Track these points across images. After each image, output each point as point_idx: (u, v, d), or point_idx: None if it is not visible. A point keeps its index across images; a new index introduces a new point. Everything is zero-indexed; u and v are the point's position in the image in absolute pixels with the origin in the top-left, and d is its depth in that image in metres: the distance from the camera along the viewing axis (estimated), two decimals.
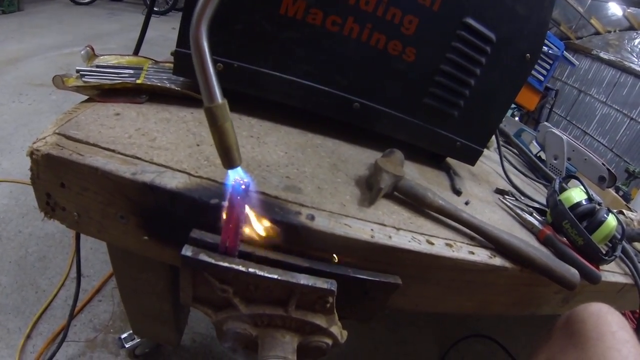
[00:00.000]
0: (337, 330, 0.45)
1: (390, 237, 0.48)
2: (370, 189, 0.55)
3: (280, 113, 0.67)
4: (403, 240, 0.48)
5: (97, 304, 1.25)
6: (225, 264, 0.38)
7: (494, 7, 0.64)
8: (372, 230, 0.47)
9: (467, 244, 0.54)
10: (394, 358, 1.31)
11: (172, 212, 0.43)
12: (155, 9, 5.41)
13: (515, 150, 1.25)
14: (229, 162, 0.37)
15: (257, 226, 0.40)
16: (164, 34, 4.31)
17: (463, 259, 0.51)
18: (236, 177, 0.37)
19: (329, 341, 0.44)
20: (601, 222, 0.64)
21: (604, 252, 0.64)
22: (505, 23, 0.66)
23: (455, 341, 1.37)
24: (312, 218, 0.45)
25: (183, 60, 0.59)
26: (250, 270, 0.38)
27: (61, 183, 0.45)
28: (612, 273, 0.71)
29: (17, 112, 2.26)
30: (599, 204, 0.69)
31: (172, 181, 0.42)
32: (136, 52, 0.75)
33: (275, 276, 0.39)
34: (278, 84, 0.62)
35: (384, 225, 0.49)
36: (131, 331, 0.99)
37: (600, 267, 0.64)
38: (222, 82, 0.60)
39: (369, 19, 0.61)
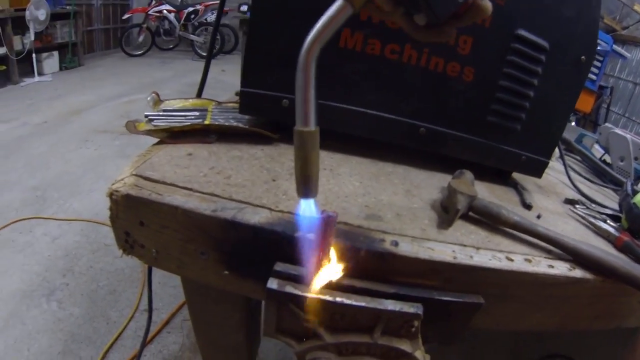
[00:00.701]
0: (421, 354, 0.44)
1: (471, 257, 0.47)
2: (446, 211, 0.55)
3: (349, 144, 0.68)
4: (484, 258, 0.47)
5: (166, 336, 1.30)
6: (312, 295, 0.38)
7: (543, 14, 0.63)
8: (453, 251, 0.47)
9: (545, 257, 0.52)
10: None
11: (253, 247, 0.44)
12: (202, 53, 5.75)
13: (578, 157, 1.19)
14: (305, 191, 0.36)
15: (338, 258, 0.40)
16: (215, 76, 4.58)
17: (543, 273, 0.49)
18: (308, 208, 0.37)
19: None
20: None
21: None
22: (556, 29, 0.64)
23: None
24: (396, 244, 0.45)
25: (249, 99, 0.62)
26: (338, 299, 0.38)
27: (140, 222, 0.47)
28: None
29: (84, 157, 2.46)
30: None
31: (254, 217, 0.44)
32: (199, 94, 0.80)
33: (363, 304, 0.39)
34: (344, 115, 0.64)
35: (464, 245, 0.49)
36: None
37: None
38: (290, 118, 0.63)
39: (426, 44, 0.62)
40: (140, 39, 5.85)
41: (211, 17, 6.01)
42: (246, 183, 0.51)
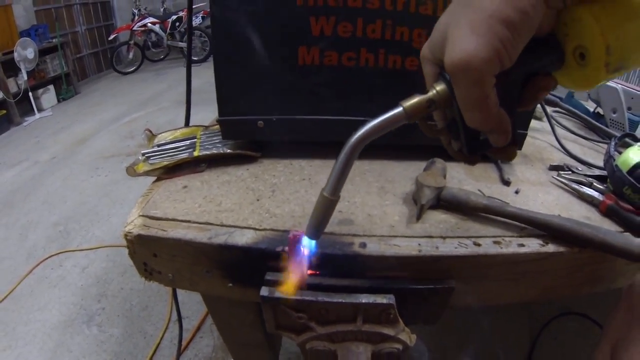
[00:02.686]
0: (406, 335, 0.50)
1: (437, 247, 0.51)
2: (416, 204, 0.58)
3: (327, 149, 0.69)
4: (449, 247, 0.51)
5: (199, 340, 1.41)
6: (297, 297, 0.46)
7: None
8: (419, 245, 0.51)
9: (517, 236, 0.54)
10: (484, 349, 1.30)
11: (245, 263, 0.51)
12: (194, 58, 5.75)
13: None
14: (313, 234, 0.44)
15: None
16: (209, 79, 4.55)
17: (513, 252, 0.52)
18: (309, 243, 0.45)
19: (400, 346, 0.50)
20: None
21: None
22: None
23: (546, 322, 1.31)
24: (364, 246, 0.50)
25: (228, 126, 0.69)
26: (319, 298, 0.46)
27: (154, 254, 0.56)
28: None
29: (96, 185, 2.56)
30: None
31: (242, 238, 0.51)
32: (187, 123, 0.87)
33: (341, 300, 0.46)
34: (315, 126, 0.68)
35: (431, 237, 0.53)
36: None
37: None
38: (266, 136, 0.69)
39: (380, 44, 0.64)
40: (130, 55, 5.93)
41: (196, 21, 6.03)
42: (234, 207, 0.58)
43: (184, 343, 1.37)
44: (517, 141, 0.39)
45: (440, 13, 0.63)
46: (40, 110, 4.36)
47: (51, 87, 4.68)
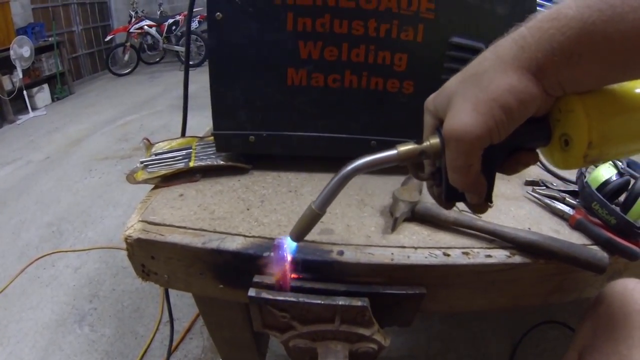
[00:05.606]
0: (380, 336, 0.55)
1: (408, 257, 0.56)
2: (392, 216, 0.63)
3: (313, 163, 0.77)
4: (420, 257, 0.56)
5: (189, 341, 1.44)
6: (281, 298, 0.51)
7: (475, 17, 0.67)
8: (392, 253, 0.56)
9: (486, 248, 0.58)
10: (465, 355, 1.34)
11: (237, 265, 0.57)
12: (189, 62, 5.75)
13: None
14: (297, 236, 0.48)
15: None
16: (204, 84, 4.56)
17: (480, 263, 0.56)
18: (289, 244, 0.49)
19: (375, 346, 0.55)
20: (638, 195, 0.60)
21: None
22: (490, 29, 0.66)
23: (527, 330, 1.34)
24: (342, 253, 0.55)
25: (222, 140, 0.74)
26: (300, 299, 0.51)
27: (151, 256, 0.61)
28: None
29: (90, 186, 2.59)
30: (634, 176, 0.66)
31: (232, 244, 0.57)
32: (183, 133, 0.91)
33: (320, 301, 0.51)
34: (302, 141, 0.73)
35: (404, 247, 0.58)
36: None
37: None
38: (257, 150, 0.75)
39: (363, 68, 0.69)
40: (126, 57, 5.95)
41: (192, 25, 6.06)
42: (226, 215, 0.63)
43: (174, 344, 1.41)
44: (490, 200, 0.44)
45: (420, 39, 0.70)
46: (34, 109, 4.36)
47: (46, 86, 4.69)
